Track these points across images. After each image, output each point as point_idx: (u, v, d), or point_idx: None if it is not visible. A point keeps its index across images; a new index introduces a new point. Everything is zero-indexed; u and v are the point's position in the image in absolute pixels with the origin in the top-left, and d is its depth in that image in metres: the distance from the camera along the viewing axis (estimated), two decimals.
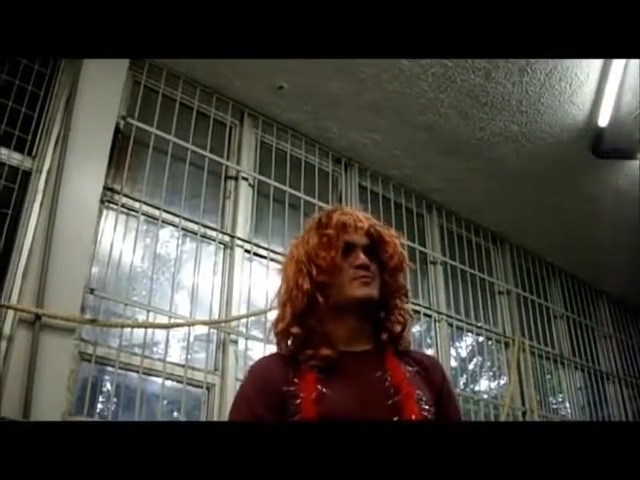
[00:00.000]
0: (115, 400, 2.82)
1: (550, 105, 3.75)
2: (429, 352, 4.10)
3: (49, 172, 2.80)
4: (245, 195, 3.59)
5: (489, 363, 4.64)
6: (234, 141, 3.72)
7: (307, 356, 1.29)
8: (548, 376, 4.98)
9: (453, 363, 4.38)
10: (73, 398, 2.60)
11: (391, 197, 4.30)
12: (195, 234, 3.29)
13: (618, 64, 3.46)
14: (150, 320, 2.96)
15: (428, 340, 4.26)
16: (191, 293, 3.16)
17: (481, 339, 4.51)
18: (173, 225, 3.26)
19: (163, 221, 3.20)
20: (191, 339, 3.07)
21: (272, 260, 3.44)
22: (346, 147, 4.09)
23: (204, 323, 3.14)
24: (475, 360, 4.54)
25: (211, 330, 3.18)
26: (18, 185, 2.77)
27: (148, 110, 3.32)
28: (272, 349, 1.40)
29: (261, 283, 3.40)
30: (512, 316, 4.77)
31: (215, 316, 3.21)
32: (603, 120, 3.77)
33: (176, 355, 3.07)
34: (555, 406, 5.01)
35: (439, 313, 4.26)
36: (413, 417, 1.20)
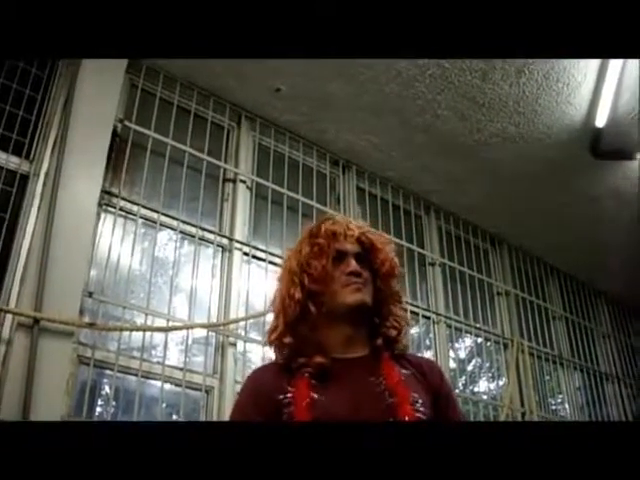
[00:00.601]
0: (114, 403, 2.81)
1: (547, 106, 3.75)
2: (428, 354, 4.11)
3: (47, 175, 2.80)
4: (243, 198, 3.58)
5: (488, 364, 4.64)
6: (232, 144, 3.72)
7: (300, 364, 1.30)
8: (547, 377, 4.98)
9: (452, 364, 4.38)
10: (72, 402, 2.60)
11: (389, 199, 4.30)
12: (193, 237, 3.28)
13: (615, 64, 3.46)
14: (149, 323, 2.95)
15: (427, 342, 4.26)
16: (189, 296, 3.15)
17: (480, 340, 4.50)
18: (171, 228, 3.26)
19: (161, 224, 3.20)
20: (190, 342, 3.06)
21: (270, 263, 3.44)
22: (344, 149, 4.09)
23: (202, 326, 3.14)
24: (474, 361, 4.53)
25: (210, 333, 3.18)
26: (16, 189, 2.76)
27: (145, 113, 3.32)
28: (270, 352, 1.42)
29: (259, 286, 3.40)
30: (511, 317, 4.77)
31: (213, 319, 3.20)
32: (601, 121, 3.78)
33: (175, 358, 3.06)
34: (554, 407, 5.01)
35: (438, 314, 4.26)
36: (407, 419, 1.20)
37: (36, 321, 2.49)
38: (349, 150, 4.10)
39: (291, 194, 3.76)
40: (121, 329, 2.83)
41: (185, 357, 3.02)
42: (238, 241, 3.43)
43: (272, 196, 3.70)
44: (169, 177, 3.30)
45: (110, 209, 3.04)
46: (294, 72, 3.46)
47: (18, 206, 2.74)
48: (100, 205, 2.97)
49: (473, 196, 4.51)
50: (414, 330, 4.18)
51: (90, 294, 2.79)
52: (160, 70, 3.43)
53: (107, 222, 3.02)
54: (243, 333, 3.24)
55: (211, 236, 3.36)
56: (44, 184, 2.78)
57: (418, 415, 1.21)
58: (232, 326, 3.22)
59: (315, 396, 1.23)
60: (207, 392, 3.03)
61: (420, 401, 1.25)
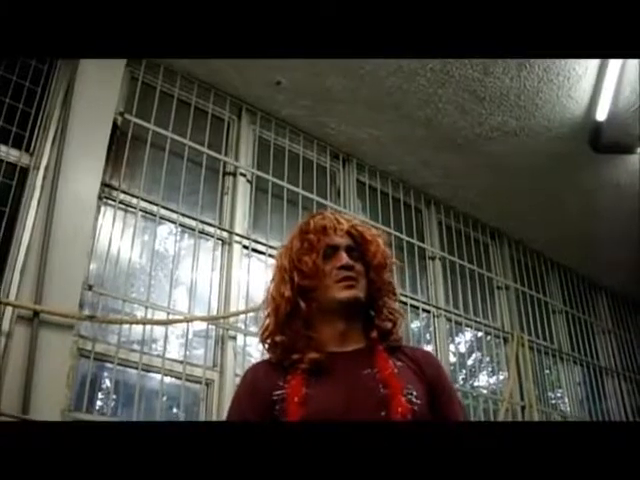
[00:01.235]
0: (114, 396, 2.82)
1: (548, 100, 3.75)
2: (428, 348, 4.11)
3: (47, 168, 2.80)
4: (243, 191, 3.58)
5: (488, 358, 4.64)
6: (232, 137, 3.71)
7: (293, 361, 1.30)
8: (547, 371, 4.98)
9: (452, 358, 4.38)
10: (72, 394, 2.60)
11: (389, 192, 4.30)
12: (193, 230, 3.28)
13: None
14: (149, 316, 2.96)
15: (427, 335, 4.27)
16: (189, 289, 3.16)
17: (480, 334, 4.51)
18: (171, 221, 3.26)
19: (161, 217, 3.20)
20: (190, 335, 3.07)
21: (270, 256, 3.43)
22: (344, 142, 4.08)
23: (202, 319, 3.14)
24: (474, 355, 4.54)
25: (210, 326, 3.18)
26: (16, 182, 2.76)
27: (146, 106, 3.31)
28: (264, 350, 1.42)
29: (259, 279, 3.40)
30: (511, 311, 4.77)
31: (214, 312, 3.21)
32: (601, 114, 3.77)
33: (175, 351, 3.07)
34: (554, 401, 5.02)
35: (438, 308, 4.26)
36: (399, 410, 1.19)
37: (36, 314, 2.49)
38: (349, 143, 4.09)
39: (291, 187, 3.76)
40: (121, 322, 2.84)
41: (185, 350, 3.02)
42: (238, 234, 3.42)
43: (272, 189, 3.70)
44: (169, 170, 3.29)
45: (110, 202, 3.04)
46: (295, 65, 3.45)
47: (18, 199, 2.73)
48: (100, 198, 2.96)
49: (473, 190, 4.51)
50: (414, 324, 4.19)
51: (90, 287, 2.79)
52: (160, 63, 3.42)
53: (107, 215, 3.01)
54: (243, 326, 3.24)
55: (211, 229, 3.36)
56: (44, 177, 2.77)
57: (412, 407, 1.21)
58: (232, 319, 3.22)
59: (308, 391, 1.23)
60: (207, 385, 3.04)
61: (414, 392, 1.24)
